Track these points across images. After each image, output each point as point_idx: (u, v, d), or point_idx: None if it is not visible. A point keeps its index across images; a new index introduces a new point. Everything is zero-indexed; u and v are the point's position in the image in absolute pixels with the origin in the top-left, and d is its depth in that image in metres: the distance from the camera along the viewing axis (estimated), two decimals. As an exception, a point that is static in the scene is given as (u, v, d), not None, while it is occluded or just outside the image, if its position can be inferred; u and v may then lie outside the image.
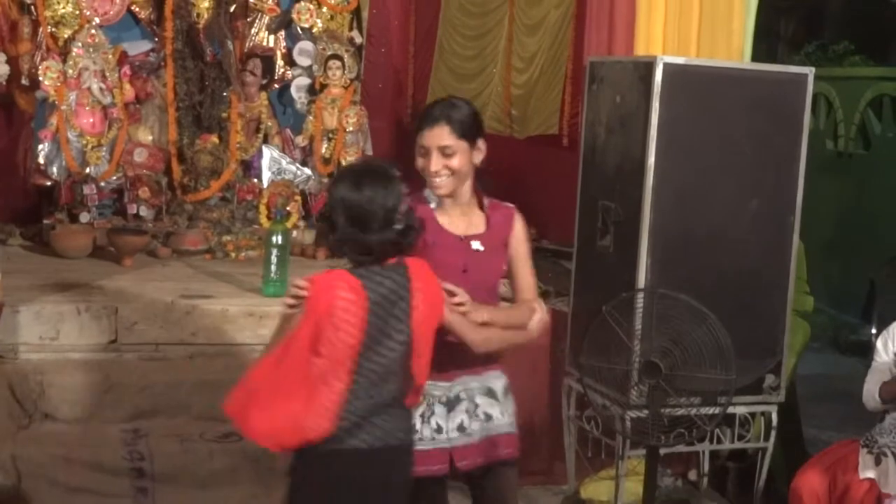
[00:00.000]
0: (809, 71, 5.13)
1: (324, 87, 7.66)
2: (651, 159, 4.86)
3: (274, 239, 5.88)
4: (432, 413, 3.58)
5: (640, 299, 4.71)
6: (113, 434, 4.95)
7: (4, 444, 4.77)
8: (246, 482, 4.88)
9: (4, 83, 7.14)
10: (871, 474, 4.55)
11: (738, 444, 5.32)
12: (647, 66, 4.86)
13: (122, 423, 5.04)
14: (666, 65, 4.82)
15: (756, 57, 5.92)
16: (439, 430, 3.57)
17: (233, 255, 6.84)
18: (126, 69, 7.26)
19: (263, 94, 7.70)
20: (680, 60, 4.98)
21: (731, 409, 4.91)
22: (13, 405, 4.98)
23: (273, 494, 4.70)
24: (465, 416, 3.62)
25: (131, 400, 5.12)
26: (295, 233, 6.90)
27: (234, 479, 4.87)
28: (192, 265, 6.58)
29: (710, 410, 4.55)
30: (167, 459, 4.85)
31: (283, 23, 7.90)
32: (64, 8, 7.16)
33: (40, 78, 7.05)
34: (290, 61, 7.93)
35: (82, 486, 4.70)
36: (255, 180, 7.43)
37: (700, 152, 4.96)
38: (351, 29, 8.05)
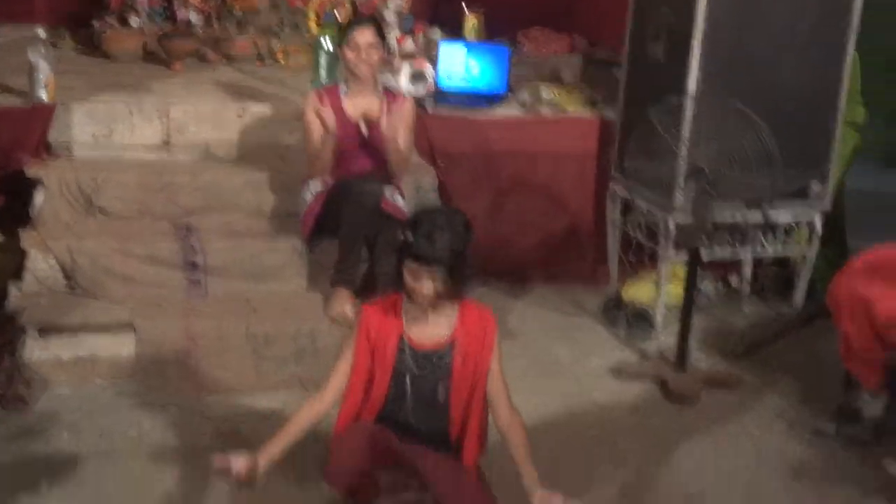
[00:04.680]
0: None
1: None
2: (706, -39, 4.77)
3: (322, 43, 5.86)
4: None
5: (688, 104, 4.69)
6: (167, 230, 5.05)
7: (61, 235, 4.89)
8: (294, 277, 4.99)
9: None
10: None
11: (780, 251, 5.36)
12: None
13: (176, 219, 5.13)
14: None
15: None
16: None
17: (282, 61, 6.83)
18: None
19: None
20: None
21: (775, 217, 4.94)
22: (69, 199, 5.06)
23: (319, 288, 4.86)
24: None
25: (184, 198, 5.19)
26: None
27: (281, 275, 4.99)
28: (242, 70, 6.58)
29: (753, 215, 4.57)
30: (218, 254, 4.96)
31: None
32: None
33: None
34: None
35: (137, 276, 4.83)
36: (305, -14, 7.33)
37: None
38: None
